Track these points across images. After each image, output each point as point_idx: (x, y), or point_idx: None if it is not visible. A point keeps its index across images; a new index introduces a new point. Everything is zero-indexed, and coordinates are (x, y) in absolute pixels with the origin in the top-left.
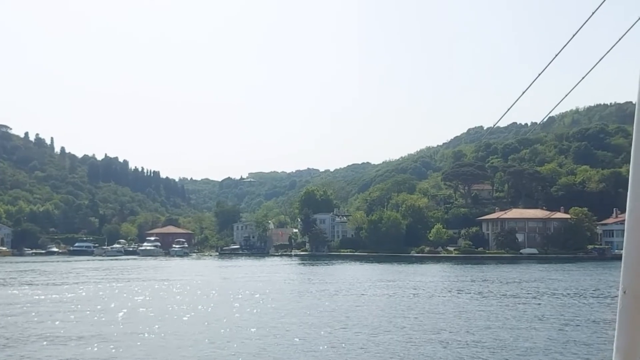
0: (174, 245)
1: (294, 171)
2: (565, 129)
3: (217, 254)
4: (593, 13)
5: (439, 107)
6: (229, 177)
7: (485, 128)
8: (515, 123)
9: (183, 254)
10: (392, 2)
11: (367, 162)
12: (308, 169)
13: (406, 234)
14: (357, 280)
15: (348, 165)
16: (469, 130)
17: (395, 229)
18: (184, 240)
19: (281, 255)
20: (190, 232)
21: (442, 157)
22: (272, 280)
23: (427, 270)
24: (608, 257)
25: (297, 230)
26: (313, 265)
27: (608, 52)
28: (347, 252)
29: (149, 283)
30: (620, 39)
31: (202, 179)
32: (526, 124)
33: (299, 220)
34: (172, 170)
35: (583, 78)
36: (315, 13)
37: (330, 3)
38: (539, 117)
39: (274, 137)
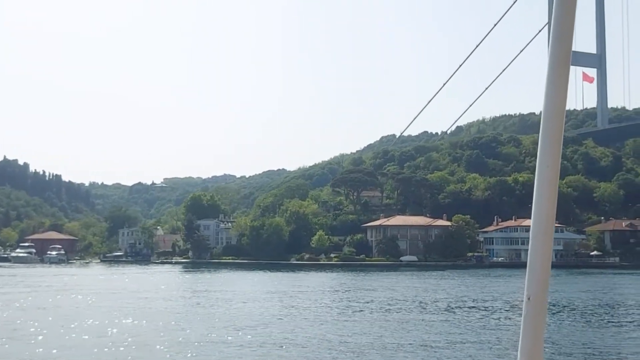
0: (49, 252)
1: (210, 177)
2: (459, 138)
3: (99, 261)
4: (495, 25)
5: (356, 115)
6: (139, 182)
7: (397, 136)
8: (427, 132)
9: (59, 260)
10: (318, 11)
11: (283, 169)
12: (224, 174)
13: (289, 241)
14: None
15: (264, 172)
16: (382, 138)
17: (277, 236)
18: (60, 246)
19: (162, 263)
20: (73, 238)
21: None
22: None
23: (284, 280)
24: (486, 264)
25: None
26: (186, 273)
27: (507, 67)
28: (229, 259)
29: None
30: (518, 55)
31: (113, 184)
32: (437, 133)
33: (183, 226)
34: (82, 174)
35: (485, 90)
36: (239, 17)
37: (256, 7)
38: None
39: (194, 142)
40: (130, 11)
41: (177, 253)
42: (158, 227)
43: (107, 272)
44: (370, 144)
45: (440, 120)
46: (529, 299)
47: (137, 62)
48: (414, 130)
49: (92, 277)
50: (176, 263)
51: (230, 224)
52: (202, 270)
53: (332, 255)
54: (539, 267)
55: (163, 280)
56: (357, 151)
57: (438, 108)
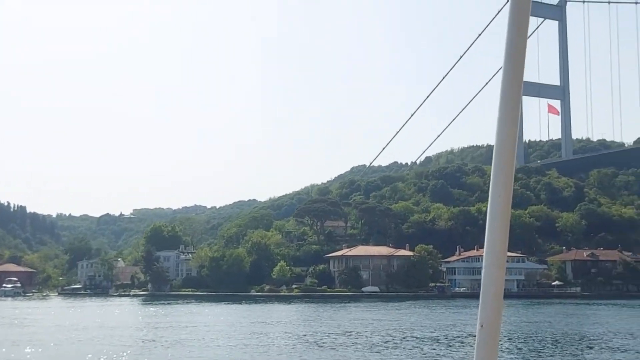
0: (4, 285)
1: (180, 207)
2: (426, 168)
3: (57, 294)
4: (460, 57)
5: (327, 146)
6: (107, 214)
7: (367, 166)
8: (396, 162)
9: (14, 294)
10: (292, 41)
11: (254, 199)
12: (195, 205)
13: (250, 272)
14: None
15: (234, 202)
16: (352, 168)
17: (237, 267)
18: (16, 279)
19: (120, 296)
20: (31, 270)
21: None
22: None
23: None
24: (448, 295)
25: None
26: (141, 306)
27: (473, 99)
28: (189, 291)
29: None
30: (483, 87)
31: (80, 215)
32: (406, 163)
33: (142, 257)
34: (50, 205)
35: (452, 121)
36: (213, 45)
37: (231, 36)
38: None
39: (164, 173)
40: (96, 46)
41: (136, 285)
42: (119, 259)
43: (61, 305)
44: (341, 174)
45: (410, 150)
46: (482, 326)
47: (107, 91)
48: (383, 161)
49: (40, 311)
50: (134, 296)
51: (190, 255)
52: (158, 303)
53: (294, 286)
54: (492, 295)
55: (109, 315)
56: (327, 181)
57: (407, 139)
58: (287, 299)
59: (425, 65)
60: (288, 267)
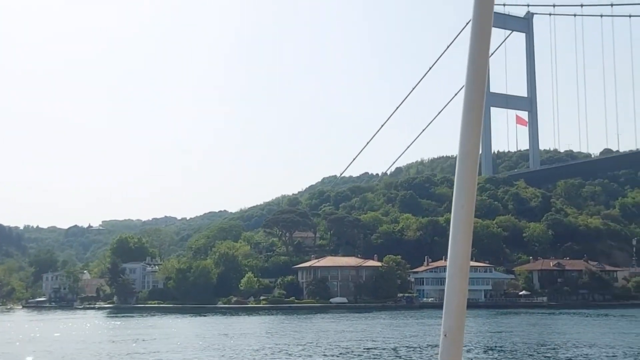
0: None
1: (150, 219)
2: (395, 179)
3: (21, 307)
4: (425, 74)
5: (298, 156)
6: (75, 225)
7: (339, 177)
8: (367, 173)
9: None
10: (261, 50)
11: (225, 210)
12: (165, 216)
13: (217, 284)
14: None
15: (205, 214)
16: (324, 179)
17: (204, 279)
18: None
19: (85, 308)
20: None
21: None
22: None
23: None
24: (416, 305)
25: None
26: (106, 319)
27: (441, 111)
28: (155, 303)
29: None
30: (452, 98)
31: (48, 227)
32: (377, 174)
33: (108, 269)
34: (17, 217)
35: (421, 132)
36: (180, 54)
37: (196, 48)
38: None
39: (135, 184)
40: (65, 54)
41: (102, 298)
42: (85, 271)
43: (23, 318)
44: (312, 185)
45: (381, 161)
46: (445, 335)
47: (71, 101)
48: (355, 172)
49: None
50: (100, 308)
51: (157, 267)
52: (122, 316)
53: (262, 298)
54: (455, 305)
55: (69, 328)
56: (298, 192)
57: (379, 150)
58: (254, 311)
59: (396, 76)
60: (256, 279)
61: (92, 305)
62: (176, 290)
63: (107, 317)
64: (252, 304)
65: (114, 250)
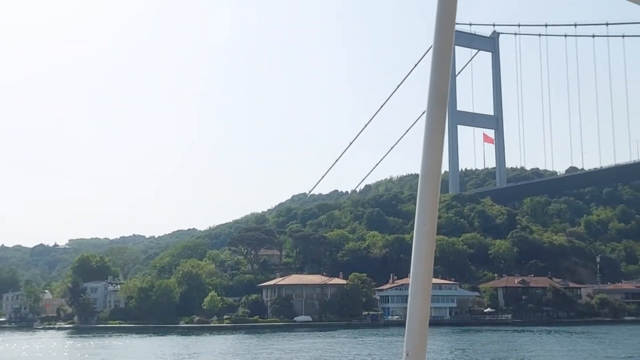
0: None
1: (118, 237)
2: (363, 196)
3: None
4: (391, 94)
5: (267, 174)
6: (41, 244)
7: (308, 194)
8: (337, 190)
9: None
10: (234, 67)
11: (194, 228)
12: (133, 235)
13: (180, 303)
14: None
15: (173, 232)
16: (293, 197)
17: (166, 298)
18: None
19: (45, 329)
20: None
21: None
22: None
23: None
24: (381, 323)
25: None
26: (67, 338)
27: (409, 129)
28: (116, 323)
29: None
30: (414, 123)
31: (13, 246)
32: (347, 192)
33: (68, 289)
34: None
35: (388, 152)
36: (150, 71)
37: (169, 65)
38: (361, 185)
39: (99, 203)
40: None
41: (62, 318)
42: (46, 291)
43: None
44: (282, 203)
45: (350, 179)
46: (407, 354)
47: (39, 113)
48: (324, 189)
49: None
50: (60, 329)
51: (119, 286)
52: (82, 336)
53: (225, 317)
54: (417, 323)
55: (19, 350)
56: (268, 210)
57: (349, 168)
58: (216, 330)
59: (369, 95)
60: (219, 297)
61: (52, 326)
62: (138, 309)
63: (66, 337)
64: (214, 323)
65: (75, 269)
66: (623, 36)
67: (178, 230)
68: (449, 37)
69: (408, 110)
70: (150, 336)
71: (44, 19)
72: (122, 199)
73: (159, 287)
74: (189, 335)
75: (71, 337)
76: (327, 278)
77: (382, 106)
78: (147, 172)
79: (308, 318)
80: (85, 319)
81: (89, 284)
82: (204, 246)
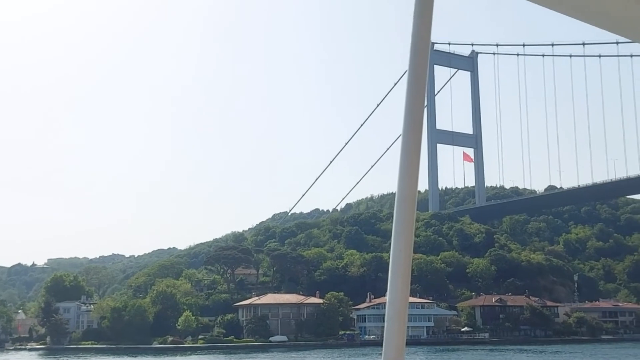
0: None
1: (97, 257)
2: (340, 215)
3: None
4: (371, 113)
5: (248, 193)
6: (19, 263)
7: (289, 213)
8: (318, 209)
9: None
10: (214, 84)
11: (174, 247)
12: (113, 254)
13: (154, 323)
14: None
15: (153, 251)
16: (274, 215)
17: (140, 318)
18: None
19: (16, 350)
20: None
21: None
22: None
23: None
24: (357, 343)
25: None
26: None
27: (389, 148)
28: (89, 344)
29: None
30: (393, 143)
31: None
32: (328, 210)
33: (40, 309)
34: None
35: (368, 171)
36: (125, 85)
37: (147, 81)
38: (342, 203)
39: (79, 222)
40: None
41: (35, 338)
42: (19, 311)
43: None
44: (263, 222)
45: (332, 198)
46: None
47: (20, 129)
48: (305, 208)
49: None
50: (32, 349)
51: (93, 306)
52: (53, 357)
53: (200, 337)
54: (394, 346)
55: None
56: (249, 229)
57: (330, 187)
58: (191, 351)
59: (351, 113)
60: (194, 317)
61: (24, 346)
62: (111, 330)
63: (37, 359)
64: (188, 343)
65: (48, 288)
66: (599, 56)
67: (158, 250)
68: (424, 61)
69: (389, 128)
70: (122, 357)
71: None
72: (102, 218)
73: (132, 307)
74: (162, 355)
75: (41, 358)
76: (304, 297)
77: (362, 124)
78: (127, 192)
79: (284, 338)
80: (57, 340)
81: (62, 304)
82: (181, 265)
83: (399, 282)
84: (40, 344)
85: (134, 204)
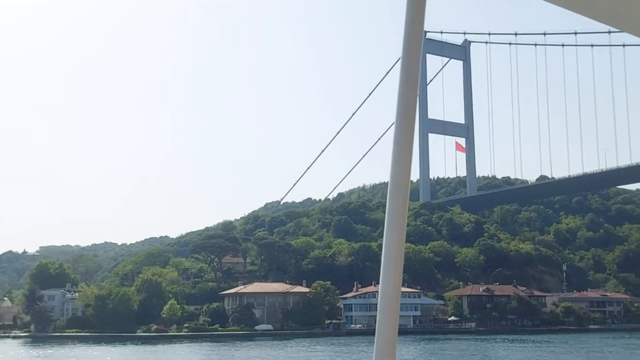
0: None
1: (89, 245)
2: (330, 204)
3: None
4: (363, 102)
5: (241, 181)
6: (10, 251)
7: (281, 202)
8: (310, 198)
9: None
10: (206, 75)
11: (166, 236)
12: (105, 242)
13: (139, 311)
14: None
15: (145, 239)
16: (267, 204)
17: (124, 306)
18: None
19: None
20: None
21: None
22: None
23: None
24: (343, 332)
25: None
26: (21, 346)
27: (380, 138)
28: (73, 332)
29: None
30: (385, 132)
31: None
32: (320, 199)
33: (25, 296)
34: None
35: (360, 161)
36: (121, 77)
37: (139, 72)
38: (335, 192)
39: (71, 210)
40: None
41: (19, 326)
42: (5, 298)
43: None
44: (254, 211)
45: (324, 187)
46: None
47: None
48: (297, 197)
49: None
50: (15, 337)
51: (77, 294)
52: (36, 345)
53: (185, 325)
54: (386, 339)
55: None
56: (241, 217)
57: (323, 176)
58: (175, 339)
59: (342, 102)
60: (179, 306)
61: (8, 334)
62: (95, 318)
63: (19, 346)
64: (173, 332)
65: (32, 276)
66: (592, 45)
67: (150, 238)
68: (417, 50)
69: (381, 117)
70: (105, 345)
71: None
72: (95, 207)
73: (116, 295)
74: (145, 344)
75: (23, 346)
76: (290, 286)
77: (354, 113)
78: (121, 182)
79: (269, 327)
80: (41, 328)
81: (47, 292)
82: (169, 253)
83: (391, 273)
84: (24, 332)
85: (128, 193)
